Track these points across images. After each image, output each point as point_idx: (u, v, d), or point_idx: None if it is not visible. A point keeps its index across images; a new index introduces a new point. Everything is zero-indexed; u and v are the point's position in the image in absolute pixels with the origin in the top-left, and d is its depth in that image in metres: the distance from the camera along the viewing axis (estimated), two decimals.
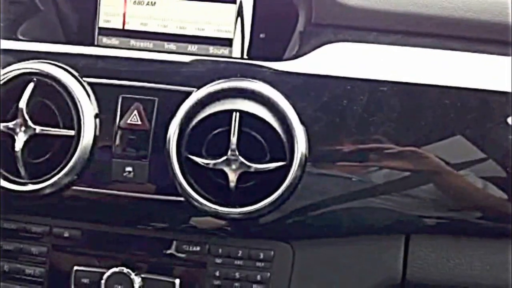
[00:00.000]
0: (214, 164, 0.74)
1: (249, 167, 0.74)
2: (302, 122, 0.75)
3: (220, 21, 0.93)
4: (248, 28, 0.92)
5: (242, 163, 0.73)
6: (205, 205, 0.75)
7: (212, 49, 0.93)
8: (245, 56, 0.91)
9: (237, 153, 0.73)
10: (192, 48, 0.93)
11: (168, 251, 0.83)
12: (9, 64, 0.83)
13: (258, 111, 0.75)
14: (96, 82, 0.81)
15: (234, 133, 0.73)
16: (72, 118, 0.79)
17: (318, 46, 0.82)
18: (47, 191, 0.79)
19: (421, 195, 0.76)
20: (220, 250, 0.81)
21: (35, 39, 0.87)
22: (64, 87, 0.80)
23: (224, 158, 0.74)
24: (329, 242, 0.81)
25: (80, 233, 0.84)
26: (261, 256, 0.81)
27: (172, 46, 0.93)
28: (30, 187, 0.79)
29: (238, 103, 0.75)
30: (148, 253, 0.84)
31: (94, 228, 0.84)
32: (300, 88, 0.77)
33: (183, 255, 0.82)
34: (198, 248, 0.82)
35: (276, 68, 0.79)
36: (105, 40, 0.95)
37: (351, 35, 0.82)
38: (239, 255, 0.81)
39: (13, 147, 0.78)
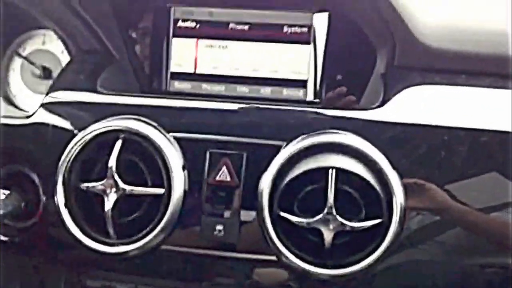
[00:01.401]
0: (309, 223, 0.72)
1: (346, 226, 0.71)
2: (399, 176, 0.72)
3: (293, 63, 0.92)
4: (323, 69, 0.90)
5: (339, 222, 0.71)
6: (298, 265, 0.74)
7: (286, 91, 0.92)
8: (322, 98, 0.89)
9: (334, 211, 0.71)
10: (265, 90, 0.91)
11: None
12: (92, 119, 0.81)
13: (354, 168, 0.73)
14: (182, 137, 0.79)
15: (331, 191, 0.71)
16: (160, 175, 0.78)
17: (402, 90, 0.79)
18: (137, 252, 0.77)
19: None
20: None
21: (114, 90, 0.86)
22: (152, 144, 0.78)
23: (320, 216, 0.71)
24: None
25: None
26: None
27: (244, 89, 0.92)
28: (121, 248, 0.78)
29: (333, 159, 0.74)
30: None
31: None
32: (394, 139, 0.76)
33: None
34: None
35: (366, 118, 0.78)
36: (177, 84, 0.94)
37: (438, 78, 0.80)
38: None
39: (102, 206, 0.77)
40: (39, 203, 0.84)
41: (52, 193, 0.80)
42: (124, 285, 0.83)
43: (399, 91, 0.79)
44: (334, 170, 0.72)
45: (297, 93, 0.90)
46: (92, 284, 0.84)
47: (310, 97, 0.90)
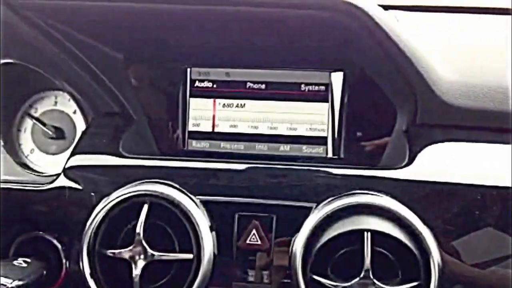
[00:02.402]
0: (344, 287, 0.71)
1: None
2: (434, 237, 0.72)
3: (312, 120, 0.93)
4: (343, 126, 0.91)
5: (376, 285, 0.70)
6: None
7: (305, 148, 0.92)
8: (341, 156, 0.90)
9: (371, 275, 0.70)
10: (285, 148, 0.91)
11: None
12: (117, 183, 0.80)
13: (390, 230, 0.72)
14: (209, 200, 0.79)
15: (367, 254, 0.70)
16: (189, 239, 0.77)
17: (426, 147, 0.79)
18: None
19: None
20: None
21: (135, 153, 0.85)
22: (179, 208, 0.77)
23: (357, 280, 0.71)
24: None
25: None
26: None
27: (263, 147, 0.93)
28: None
29: (368, 221, 0.74)
30: None
31: None
32: (426, 199, 0.76)
33: None
34: None
35: (395, 177, 0.78)
36: (195, 143, 0.94)
37: (460, 134, 0.80)
38: None
39: (128, 273, 0.75)
40: (61, 269, 0.81)
41: (75, 259, 0.78)
42: None
43: (422, 149, 0.79)
44: (369, 233, 0.71)
45: (317, 150, 0.91)
46: None
47: (330, 153, 0.90)
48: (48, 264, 0.83)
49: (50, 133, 1.00)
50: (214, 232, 0.78)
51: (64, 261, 0.83)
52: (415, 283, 0.71)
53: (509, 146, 0.78)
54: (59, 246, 0.84)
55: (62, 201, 0.83)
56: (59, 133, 1.01)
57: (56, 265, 0.83)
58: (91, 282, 0.76)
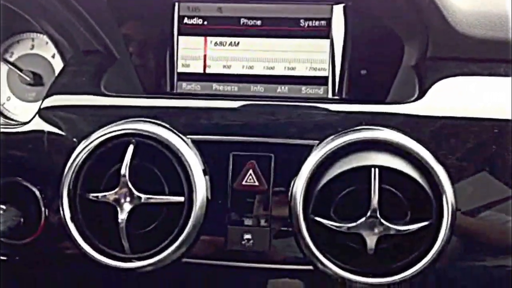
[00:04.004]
0: (350, 228, 0.65)
1: (391, 229, 0.64)
2: (447, 173, 0.66)
3: (312, 59, 0.86)
4: (346, 64, 0.83)
5: (384, 225, 0.64)
6: (338, 273, 0.66)
7: (304, 89, 0.85)
8: (344, 97, 0.83)
9: (378, 215, 0.64)
10: (283, 89, 0.84)
11: None
12: (98, 123, 0.73)
13: (400, 166, 0.66)
14: (201, 140, 0.71)
15: (374, 192, 0.64)
16: (179, 182, 0.70)
17: (438, 81, 0.73)
18: (154, 267, 0.69)
19: None
20: None
21: (118, 93, 0.77)
22: (168, 148, 0.70)
23: (363, 220, 0.64)
24: None
25: None
26: None
27: (259, 88, 0.85)
28: (136, 264, 0.69)
29: (375, 157, 0.67)
30: None
31: None
32: (438, 134, 0.69)
33: None
34: None
35: (405, 112, 0.71)
36: (185, 85, 0.87)
37: (476, 67, 0.73)
38: None
39: (115, 218, 0.68)
40: (40, 217, 0.74)
41: (55, 206, 0.71)
42: None
43: (434, 83, 0.73)
44: (377, 169, 0.64)
45: (317, 91, 0.84)
46: None
47: (331, 94, 0.84)
48: (26, 212, 0.76)
49: (28, 79, 0.93)
50: (207, 174, 0.71)
51: (43, 209, 0.76)
52: (425, 223, 0.65)
53: None
54: (37, 193, 0.76)
55: (38, 144, 0.75)
56: (37, 79, 0.94)
57: (35, 214, 0.76)
58: (71, 226, 0.69)
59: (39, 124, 0.77)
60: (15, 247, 0.76)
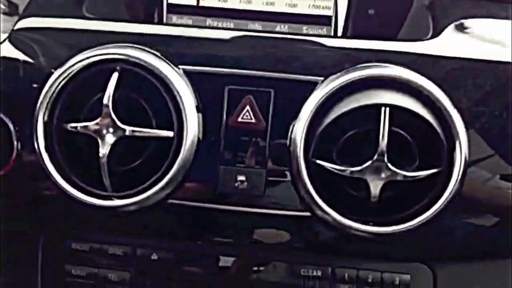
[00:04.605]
0: (353, 172, 0.59)
1: (399, 175, 0.59)
2: (462, 118, 0.60)
3: None
4: (352, 2, 0.77)
5: (391, 170, 0.58)
6: (339, 220, 0.61)
7: (305, 29, 0.78)
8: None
9: (385, 159, 0.58)
10: (282, 27, 0.78)
11: (285, 278, 0.68)
12: (77, 48, 0.65)
13: (411, 106, 0.60)
14: (194, 71, 0.65)
15: (383, 134, 0.58)
16: (169, 116, 0.63)
17: (454, 21, 0.69)
18: (137, 206, 0.62)
19: None
20: (346, 275, 0.67)
21: (103, 17, 0.70)
22: (158, 77, 0.63)
23: (368, 164, 0.58)
24: (474, 263, 0.68)
25: (172, 255, 0.68)
26: (396, 281, 0.68)
27: (257, 25, 0.79)
28: (117, 202, 0.63)
29: (384, 95, 0.61)
30: None
31: (191, 248, 0.68)
32: (454, 75, 0.64)
33: (303, 281, 0.68)
34: (320, 273, 0.68)
35: (418, 51, 0.66)
36: (175, 19, 0.79)
37: (497, 9, 0.70)
38: (370, 280, 0.67)
39: (96, 152, 0.62)
40: (11, 150, 0.66)
41: (29, 138, 0.64)
42: (118, 246, 0.70)
43: (450, 23, 0.68)
44: (388, 108, 0.58)
45: (320, 31, 0.77)
46: (78, 247, 0.68)
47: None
48: None
49: (3, 7, 0.84)
50: (199, 109, 0.64)
51: (15, 143, 0.68)
52: (435, 170, 0.60)
53: None
54: (10, 125, 0.68)
55: (9, 71, 0.68)
56: (12, 8, 0.85)
57: (6, 146, 0.68)
58: (45, 157, 0.62)
59: (10, 50, 0.70)
60: None
